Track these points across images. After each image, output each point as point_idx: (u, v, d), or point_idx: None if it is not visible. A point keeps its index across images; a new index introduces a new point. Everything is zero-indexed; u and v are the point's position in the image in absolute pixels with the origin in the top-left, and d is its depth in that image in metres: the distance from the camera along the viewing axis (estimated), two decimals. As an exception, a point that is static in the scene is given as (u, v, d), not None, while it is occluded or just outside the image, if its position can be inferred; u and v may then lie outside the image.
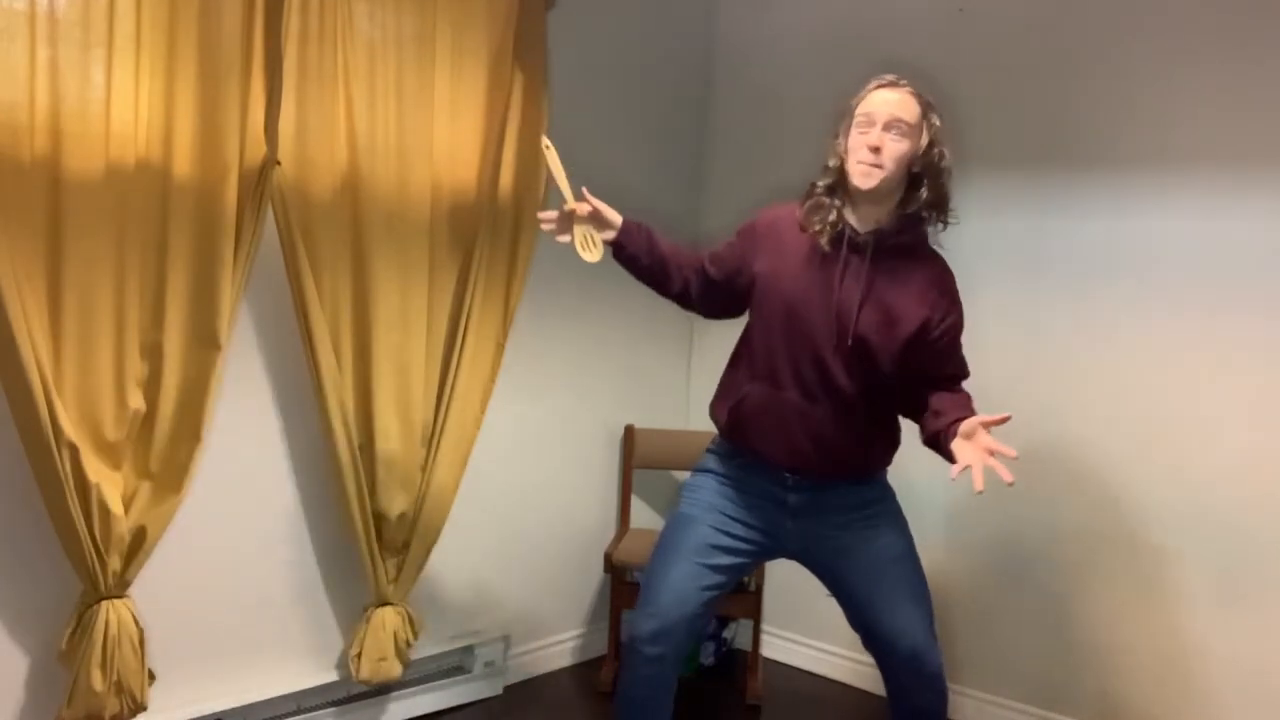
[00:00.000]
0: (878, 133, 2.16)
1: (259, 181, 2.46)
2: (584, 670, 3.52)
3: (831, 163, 2.26)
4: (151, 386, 2.38)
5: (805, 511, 2.32)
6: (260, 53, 2.44)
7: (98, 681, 2.32)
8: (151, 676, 2.46)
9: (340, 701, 2.91)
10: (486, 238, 2.94)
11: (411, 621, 2.92)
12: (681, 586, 2.27)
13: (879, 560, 2.30)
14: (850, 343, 2.20)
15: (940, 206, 2.24)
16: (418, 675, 3.06)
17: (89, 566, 2.30)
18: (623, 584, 3.40)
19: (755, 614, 3.39)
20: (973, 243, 3.19)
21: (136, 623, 2.39)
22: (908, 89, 2.21)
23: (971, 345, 3.19)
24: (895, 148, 2.16)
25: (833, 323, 2.21)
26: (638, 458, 3.59)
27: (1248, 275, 2.74)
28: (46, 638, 2.37)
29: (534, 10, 2.99)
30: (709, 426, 3.64)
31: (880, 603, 2.30)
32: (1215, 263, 2.78)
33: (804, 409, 2.25)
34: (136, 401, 2.35)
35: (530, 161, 3.02)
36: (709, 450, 2.46)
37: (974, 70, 3.17)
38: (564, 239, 2.34)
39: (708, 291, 2.40)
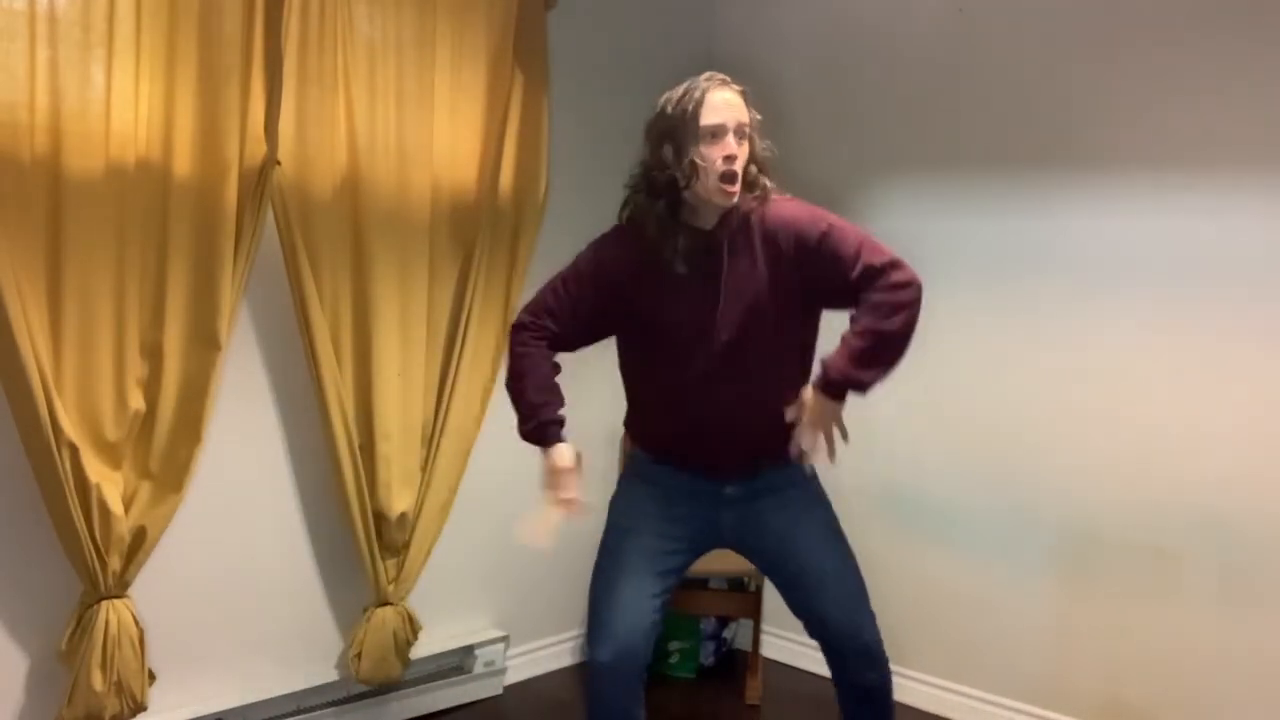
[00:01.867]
0: (732, 141, 2.08)
1: (259, 181, 2.46)
2: (584, 670, 3.51)
3: (672, 174, 2.12)
4: (151, 386, 2.38)
5: (740, 500, 2.28)
6: (260, 53, 2.44)
7: (98, 681, 2.32)
8: (151, 676, 2.47)
9: (340, 701, 2.91)
10: (486, 238, 2.94)
11: (411, 621, 2.92)
12: (634, 605, 2.24)
13: (811, 540, 2.28)
14: (732, 343, 2.15)
15: (763, 180, 2.17)
16: (418, 675, 3.06)
17: (89, 566, 2.30)
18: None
19: (755, 614, 3.39)
20: (972, 242, 3.20)
21: (136, 623, 2.39)
22: (735, 88, 2.14)
23: (972, 345, 3.20)
24: (744, 153, 2.12)
25: (709, 335, 2.15)
26: (638, 458, 3.58)
27: (1248, 276, 2.73)
28: (46, 638, 2.37)
29: (534, 10, 2.99)
30: (709, 426, 3.67)
31: (815, 581, 2.27)
32: (1216, 264, 2.78)
33: (715, 423, 2.21)
34: (136, 401, 2.35)
35: (530, 161, 3.02)
36: (633, 454, 2.43)
37: (974, 70, 3.17)
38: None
39: (563, 345, 2.36)
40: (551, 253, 3.20)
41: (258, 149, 2.46)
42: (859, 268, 2.09)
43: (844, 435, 2.12)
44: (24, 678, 2.37)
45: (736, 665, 3.58)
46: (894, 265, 2.09)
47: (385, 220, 2.74)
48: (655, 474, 2.35)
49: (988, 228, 3.17)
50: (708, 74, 2.15)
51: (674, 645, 3.52)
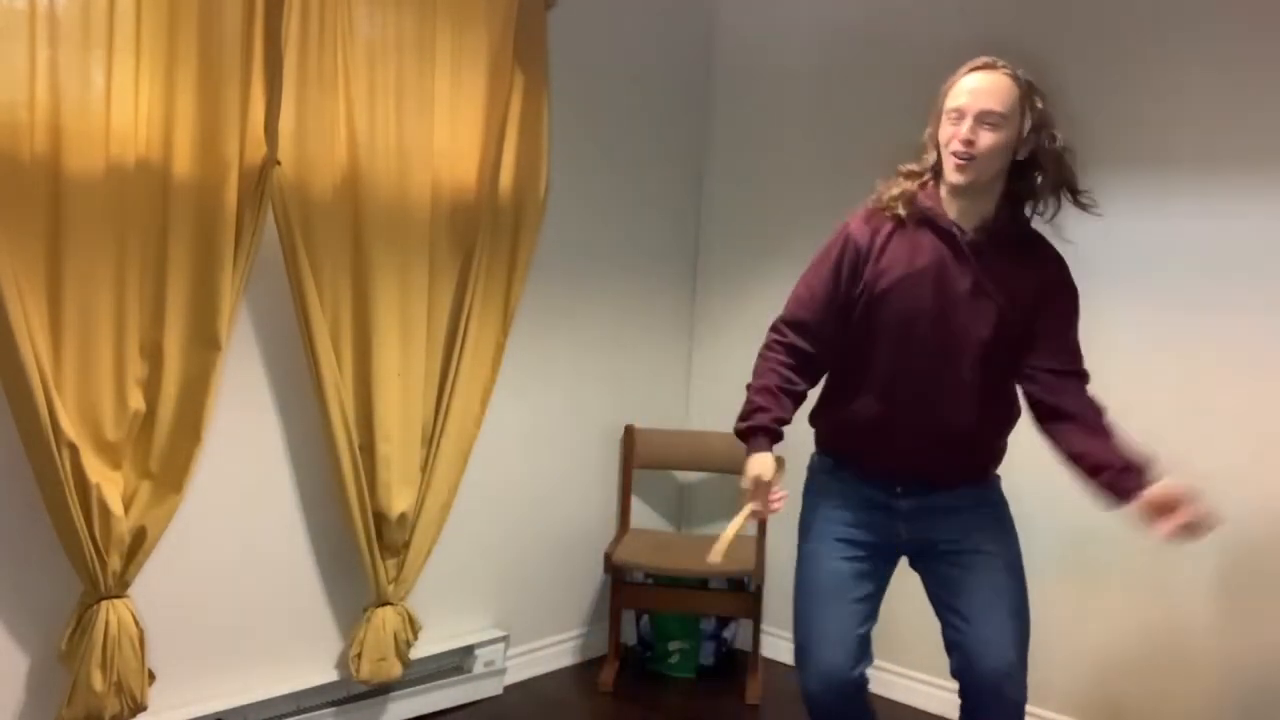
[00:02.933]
0: (969, 125, 2.01)
1: (259, 181, 2.46)
2: (584, 670, 3.52)
3: (927, 156, 2.13)
4: (151, 386, 2.38)
5: (917, 515, 2.19)
6: (260, 53, 2.44)
7: (98, 681, 2.32)
8: (151, 676, 2.46)
9: (340, 701, 2.90)
10: (486, 238, 2.94)
11: (411, 621, 2.92)
12: (839, 634, 2.17)
13: (981, 568, 2.17)
14: (958, 344, 2.09)
15: (1061, 189, 2.10)
16: (418, 675, 3.05)
17: (89, 566, 2.30)
18: (622, 584, 3.40)
19: (755, 614, 3.39)
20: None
21: (136, 623, 2.39)
22: (1002, 71, 2.04)
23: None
24: (989, 139, 2.01)
25: (945, 332, 2.08)
26: (638, 458, 3.59)
27: (1247, 274, 2.74)
28: (46, 638, 2.37)
29: (534, 10, 2.99)
30: (709, 426, 3.67)
31: (972, 612, 2.16)
32: (1214, 262, 2.78)
33: (915, 424, 2.13)
34: (136, 401, 2.35)
35: (530, 161, 3.02)
36: (811, 468, 2.32)
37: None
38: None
39: (823, 351, 2.19)
40: (551, 253, 3.22)
41: (258, 149, 2.46)
42: (1077, 360, 2.14)
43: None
44: (24, 678, 2.37)
45: (736, 665, 3.58)
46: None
47: (385, 220, 2.73)
48: (834, 485, 2.25)
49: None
50: (980, 58, 2.08)
51: (674, 645, 3.52)
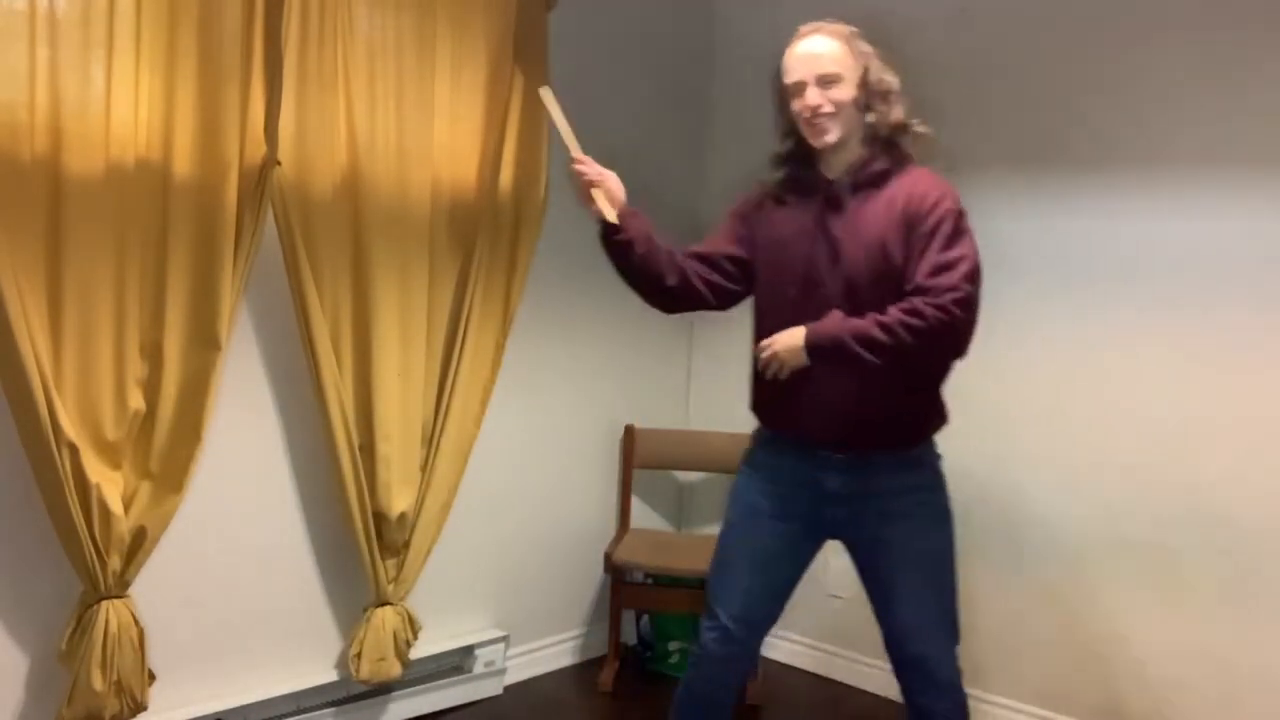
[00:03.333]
0: (812, 91, 2.12)
1: (259, 181, 2.46)
2: (584, 670, 3.52)
3: (786, 140, 2.25)
4: (151, 386, 2.38)
5: (845, 498, 2.21)
6: (260, 53, 2.44)
7: (98, 681, 2.32)
8: (151, 676, 2.47)
9: (340, 701, 2.91)
10: (486, 238, 2.94)
11: (411, 621, 2.92)
12: (747, 604, 2.26)
13: (909, 553, 2.21)
14: (840, 288, 2.13)
15: (899, 126, 2.17)
16: (418, 675, 3.06)
17: (89, 566, 2.30)
18: (622, 584, 3.40)
19: (755, 614, 3.39)
20: (973, 243, 3.20)
21: (136, 623, 2.39)
22: (824, 30, 2.16)
23: (973, 344, 3.20)
24: (835, 95, 2.13)
25: (825, 275, 2.15)
26: (638, 458, 3.59)
27: (1247, 274, 2.74)
28: (46, 638, 2.37)
29: (534, 10, 2.99)
30: (709, 426, 3.67)
31: (897, 598, 2.22)
32: (1215, 262, 2.78)
33: (825, 375, 2.14)
34: (136, 401, 2.35)
35: (530, 161, 3.02)
36: (751, 438, 2.38)
37: (974, 70, 3.17)
38: (586, 186, 2.28)
39: (711, 272, 2.31)
40: (552, 253, 3.21)
41: (258, 149, 2.46)
42: (934, 258, 2.05)
43: (778, 373, 2.11)
44: (24, 678, 2.37)
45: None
46: (951, 293, 2.02)
47: (385, 220, 2.73)
48: (765, 459, 2.31)
49: (987, 227, 3.15)
50: (804, 26, 2.19)
51: (674, 645, 3.52)
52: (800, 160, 2.25)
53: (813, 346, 2.07)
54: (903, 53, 3.31)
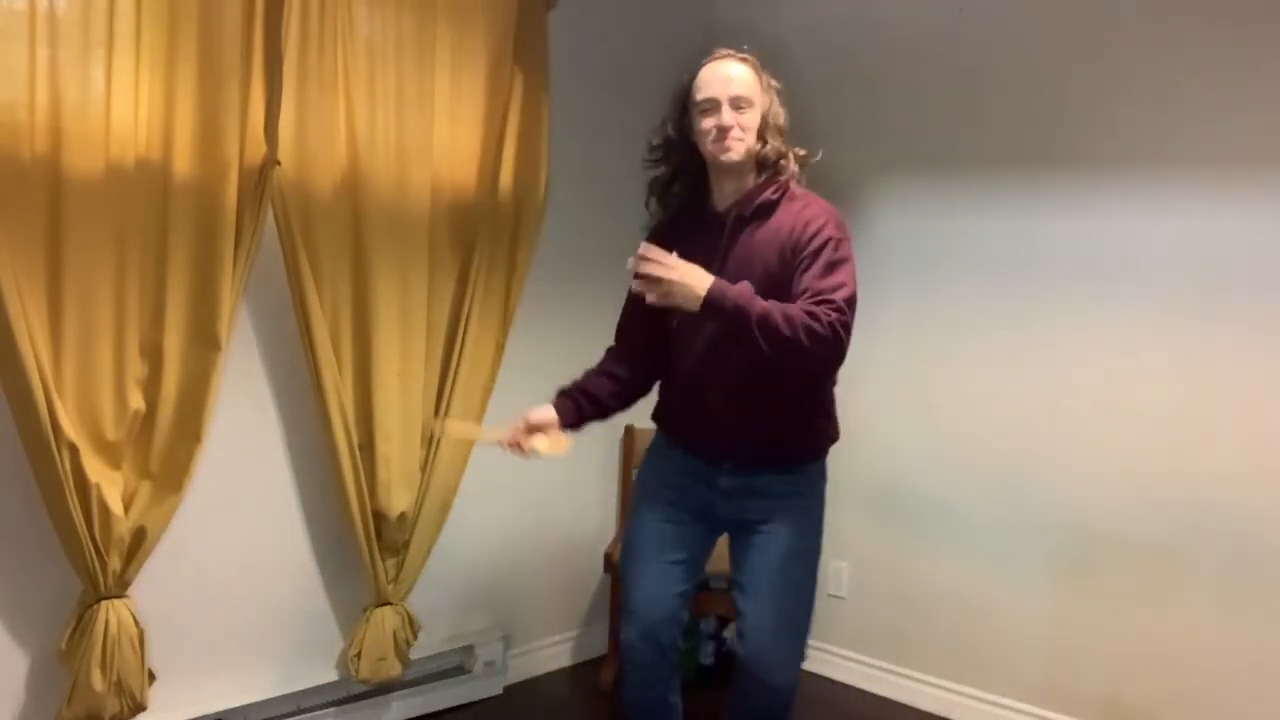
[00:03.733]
0: (726, 112, 2.17)
1: (259, 181, 2.46)
2: (584, 670, 3.52)
3: (659, 142, 2.29)
4: (151, 386, 2.38)
5: (733, 494, 2.30)
6: (260, 53, 2.44)
7: (98, 681, 2.32)
8: (151, 676, 2.47)
9: (340, 701, 2.91)
10: (486, 238, 2.94)
11: (411, 621, 2.92)
12: (657, 590, 2.33)
13: (768, 549, 2.27)
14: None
15: (782, 159, 2.22)
16: (418, 675, 3.06)
17: (89, 566, 2.30)
18: (622, 584, 3.39)
19: (755, 614, 3.39)
20: (971, 241, 3.20)
21: (136, 623, 2.39)
22: (740, 57, 2.22)
23: (973, 343, 3.20)
24: (745, 120, 2.18)
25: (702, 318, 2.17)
26: (638, 458, 3.57)
27: (1247, 274, 2.74)
28: (46, 638, 2.37)
29: (534, 10, 2.99)
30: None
31: (749, 591, 2.29)
32: (1215, 262, 2.78)
33: (720, 405, 2.24)
34: (136, 401, 2.35)
35: (530, 162, 3.02)
36: (652, 442, 2.50)
37: (974, 70, 3.18)
38: (532, 454, 2.31)
39: (648, 361, 2.39)
40: (551, 253, 3.21)
41: (258, 149, 2.46)
42: (815, 282, 2.07)
43: (654, 292, 2.05)
44: (24, 678, 2.37)
45: (736, 665, 3.57)
46: (840, 315, 2.03)
47: (385, 220, 2.73)
48: (666, 454, 2.41)
49: (987, 227, 3.17)
50: (716, 50, 2.24)
51: (674, 645, 3.51)
52: (685, 188, 2.29)
53: (712, 300, 2.02)
54: (902, 53, 3.34)
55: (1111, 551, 2.96)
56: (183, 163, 2.37)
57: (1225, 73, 2.74)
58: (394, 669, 2.88)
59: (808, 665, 3.58)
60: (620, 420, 3.57)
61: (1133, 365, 2.92)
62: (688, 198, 2.30)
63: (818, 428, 2.34)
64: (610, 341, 2.48)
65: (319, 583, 2.87)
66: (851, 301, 2.08)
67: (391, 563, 2.87)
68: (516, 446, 2.31)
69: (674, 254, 2.06)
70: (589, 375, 2.41)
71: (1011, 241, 3.12)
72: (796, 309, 2.02)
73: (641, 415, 3.62)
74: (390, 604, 2.87)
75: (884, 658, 3.39)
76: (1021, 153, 3.09)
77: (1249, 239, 2.73)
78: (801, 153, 2.25)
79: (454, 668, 3.18)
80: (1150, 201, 2.88)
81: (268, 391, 2.72)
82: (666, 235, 2.24)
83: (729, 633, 3.66)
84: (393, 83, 2.72)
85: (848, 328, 2.05)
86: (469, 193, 2.95)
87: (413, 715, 3.06)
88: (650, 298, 2.05)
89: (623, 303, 2.43)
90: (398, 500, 2.83)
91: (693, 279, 2.04)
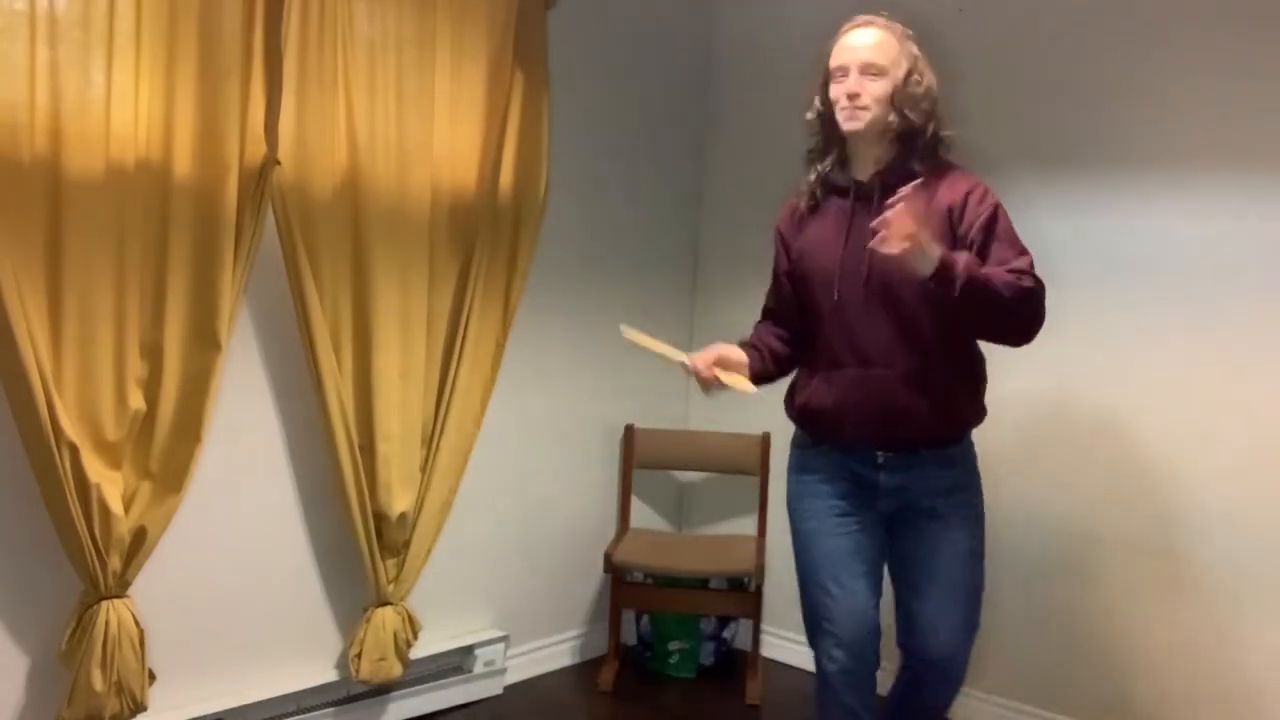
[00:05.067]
0: (854, 78, 2.15)
1: (259, 181, 2.46)
2: (584, 670, 3.52)
3: (812, 116, 2.26)
4: (151, 386, 2.38)
5: (896, 493, 2.27)
6: (260, 53, 2.44)
7: (98, 681, 2.32)
8: (151, 676, 2.46)
9: (340, 701, 2.90)
10: (486, 238, 2.94)
11: (411, 621, 2.92)
12: (852, 607, 2.25)
13: (942, 552, 2.27)
14: (877, 286, 2.16)
15: (932, 133, 2.20)
16: (418, 675, 3.05)
17: (89, 566, 2.30)
18: (622, 584, 3.40)
19: (755, 614, 3.39)
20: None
21: (136, 623, 2.39)
22: (878, 24, 2.20)
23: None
24: (874, 88, 2.15)
25: (854, 276, 2.18)
26: (638, 458, 3.59)
27: (1248, 274, 2.74)
28: (46, 638, 2.37)
29: (534, 10, 2.99)
30: (709, 426, 3.67)
31: (926, 595, 2.27)
32: (1216, 263, 2.78)
33: (864, 378, 2.20)
34: (136, 401, 2.35)
35: (530, 161, 3.02)
36: (793, 445, 2.42)
37: (974, 70, 3.17)
38: (716, 385, 2.26)
39: (801, 335, 2.37)
40: (551, 253, 3.22)
41: (258, 149, 2.46)
42: (1008, 259, 2.10)
43: (901, 245, 1.98)
44: (24, 678, 2.37)
45: (736, 665, 3.58)
46: (1039, 280, 2.11)
47: (385, 220, 2.73)
48: (816, 463, 2.34)
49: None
50: (858, 17, 2.23)
51: (674, 645, 3.52)
52: (832, 158, 2.27)
53: (947, 262, 2.00)
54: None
55: (1111, 552, 2.96)
56: (183, 163, 2.37)
57: (1227, 72, 2.74)
58: (394, 669, 2.88)
59: (808, 664, 3.58)
60: (620, 420, 3.60)
61: (1133, 364, 2.92)
62: (835, 169, 2.26)
63: (976, 399, 2.32)
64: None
65: (319, 583, 2.87)
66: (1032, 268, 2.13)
67: (392, 563, 2.87)
68: (702, 374, 2.25)
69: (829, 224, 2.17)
70: (758, 336, 2.39)
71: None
72: (1012, 274, 2.06)
73: (642, 415, 3.64)
74: (390, 604, 2.87)
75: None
76: (1021, 153, 3.09)
77: (1250, 239, 2.73)
78: (947, 134, 2.22)
79: (454, 668, 3.18)
80: (1150, 201, 2.88)
81: (268, 391, 2.72)
82: (794, 219, 2.31)
83: (729, 632, 3.66)
84: (393, 82, 2.72)
85: (1042, 287, 2.11)
86: (469, 193, 2.95)
87: (412, 715, 3.06)
88: (893, 249, 1.97)
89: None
90: (398, 500, 2.83)
91: (925, 237, 1.99)
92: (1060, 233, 3.03)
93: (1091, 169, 2.97)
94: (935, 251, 2.00)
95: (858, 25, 2.20)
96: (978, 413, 2.34)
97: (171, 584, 2.53)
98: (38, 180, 2.17)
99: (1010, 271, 2.08)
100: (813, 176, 2.29)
